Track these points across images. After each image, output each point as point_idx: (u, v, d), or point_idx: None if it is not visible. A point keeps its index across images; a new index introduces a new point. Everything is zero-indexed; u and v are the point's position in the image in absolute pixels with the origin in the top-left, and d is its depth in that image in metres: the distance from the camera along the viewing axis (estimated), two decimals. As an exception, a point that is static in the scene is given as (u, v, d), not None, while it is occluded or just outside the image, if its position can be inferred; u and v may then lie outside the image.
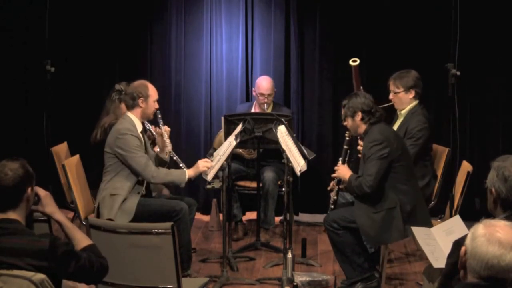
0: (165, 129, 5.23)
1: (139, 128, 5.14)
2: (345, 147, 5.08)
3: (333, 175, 5.04)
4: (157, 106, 5.21)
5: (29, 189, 3.01)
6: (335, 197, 5.08)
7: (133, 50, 7.12)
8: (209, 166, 5.09)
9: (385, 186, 4.72)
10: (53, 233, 3.58)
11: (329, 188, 5.16)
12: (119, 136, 5.01)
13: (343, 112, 4.91)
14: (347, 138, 5.06)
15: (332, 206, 5.09)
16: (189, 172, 5.07)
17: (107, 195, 5.05)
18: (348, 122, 4.88)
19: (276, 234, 6.43)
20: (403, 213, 4.70)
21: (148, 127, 5.36)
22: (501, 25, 6.63)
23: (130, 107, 5.15)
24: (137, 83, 5.18)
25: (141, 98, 5.10)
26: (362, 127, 4.84)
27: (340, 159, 5.06)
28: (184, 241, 4.89)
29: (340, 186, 5.04)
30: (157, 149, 5.33)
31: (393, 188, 4.73)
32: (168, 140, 5.25)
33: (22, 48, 7.00)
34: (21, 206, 2.99)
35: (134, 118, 5.13)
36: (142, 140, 5.12)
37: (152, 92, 5.16)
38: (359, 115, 4.81)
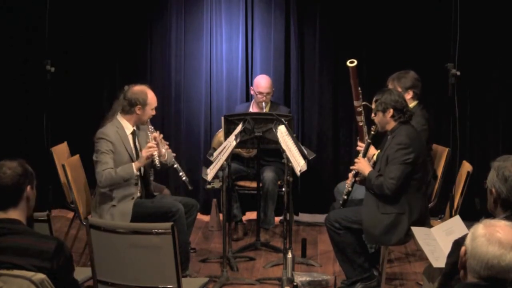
0: (153, 136, 5.07)
1: (129, 130, 5.11)
2: (369, 141, 5.08)
3: (352, 167, 5.03)
4: (154, 113, 5.16)
5: (29, 188, 3.02)
6: (350, 189, 5.07)
7: (133, 50, 7.11)
8: (151, 150, 4.95)
9: (400, 190, 4.72)
10: (53, 233, 3.60)
11: (348, 181, 5.14)
12: (95, 140, 5.04)
13: (374, 106, 4.90)
14: (372, 133, 5.04)
15: (345, 197, 5.08)
16: (136, 165, 4.97)
17: (95, 202, 5.07)
18: (378, 117, 4.86)
19: (276, 234, 6.43)
20: (410, 220, 4.70)
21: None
22: (501, 25, 6.63)
23: (125, 112, 5.11)
24: (138, 89, 5.13)
25: (139, 106, 5.07)
26: (391, 124, 4.83)
27: (362, 152, 5.06)
28: (181, 242, 4.86)
29: (357, 179, 5.04)
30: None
31: (407, 193, 4.73)
32: (160, 148, 5.13)
33: (22, 48, 6.99)
34: (21, 204, 2.99)
35: (125, 122, 5.10)
36: (129, 141, 5.07)
37: (151, 100, 5.11)
38: (390, 112, 4.80)
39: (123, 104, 5.13)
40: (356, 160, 5.01)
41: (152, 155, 4.99)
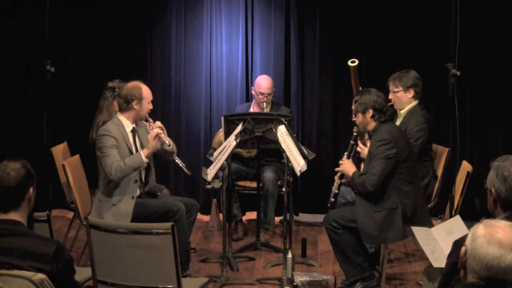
0: (157, 125, 5.09)
1: (129, 128, 5.10)
2: (352, 142, 5.07)
3: (337, 169, 5.03)
4: (151, 107, 5.15)
5: (31, 189, 3.02)
6: (336, 191, 5.06)
7: (133, 50, 7.12)
8: (157, 132, 4.96)
9: (389, 186, 4.72)
10: (53, 233, 3.60)
11: (335, 184, 5.12)
12: (98, 138, 5.03)
13: (354, 107, 4.90)
14: (354, 134, 5.04)
15: (333, 199, 5.07)
16: (144, 152, 4.96)
17: (96, 201, 5.07)
18: (358, 118, 4.87)
19: (276, 234, 6.43)
20: (404, 215, 4.70)
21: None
22: (501, 25, 6.64)
23: (123, 109, 5.11)
24: (131, 85, 5.12)
25: (135, 101, 5.07)
26: (372, 125, 4.84)
27: (346, 153, 5.06)
28: (181, 242, 4.86)
29: (343, 180, 5.04)
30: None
31: (396, 188, 4.73)
32: (164, 136, 5.14)
33: (22, 48, 6.99)
34: (23, 206, 2.99)
35: (124, 119, 5.09)
36: (129, 139, 5.07)
37: (147, 94, 5.11)
38: (370, 112, 4.81)
39: (119, 102, 5.14)
40: (340, 162, 5.01)
41: (157, 136, 4.99)
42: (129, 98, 5.07)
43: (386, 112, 4.82)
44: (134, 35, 7.09)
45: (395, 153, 4.70)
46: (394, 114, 4.89)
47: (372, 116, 4.81)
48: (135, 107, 5.08)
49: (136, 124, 5.19)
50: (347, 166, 4.93)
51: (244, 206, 6.46)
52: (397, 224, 4.71)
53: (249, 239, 6.32)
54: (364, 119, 4.84)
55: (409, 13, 6.72)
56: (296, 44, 6.96)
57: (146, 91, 5.12)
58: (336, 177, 5.08)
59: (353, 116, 4.92)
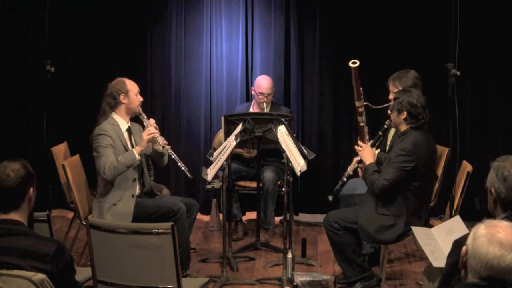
0: (151, 123, 5.12)
1: (124, 127, 5.13)
2: (380, 133, 5.10)
3: (358, 152, 5.01)
4: (141, 98, 5.19)
5: (31, 189, 3.02)
6: (351, 173, 5.08)
7: (133, 50, 7.11)
8: (152, 133, 5.00)
9: (398, 193, 4.72)
10: (53, 233, 3.60)
11: (351, 165, 5.14)
12: (94, 138, 5.07)
13: (392, 103, 4.90)
14: (385, 126, 5.06)
15: (345, 179, 5.08)
16: (137, 149, 4.98)
17: (96, 201, 5.07)
18: (393, 115, 4.86)
19: (276, 234, 6.43)
20: (406, 224, 4.70)
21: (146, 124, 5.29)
22: (501, 25, 6.64)
23: (113, 107, 5.15)
24: (114, 81, 5.20)
25: (122, 95, 5.12)
26: (403, 127, 4.82)
27: (371, 141, 5.08)
28: (182, 241, 4.86)
29: (360, 165, 5.04)
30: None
31: (405, 198, 4.72)
32: (158, 136, 5.16)
33: (22, 48, 6.99)
34: (23, 206, 3.00)
35: (118, 117, 5.14)
36: (125, 138, 5.09)
37: (131, 86, 5.16)
38: (404, 114, 4.79)
39: (107, 101, 5.19)
40: (363, 146, 4.99)
41: (153, 137, 5.02)
42: (115, 94, 5.13)
43: (420, 120, 4.78)
44: (134, 35, 7.09)
45: (412, 167, 4.67)
46: (426, 122, 4.84)
47: (405, 119, 4.80)
48: (123, 101, 5.13)
49: (132, 122, 5.21)
50: (366, 153, 4.93)
51: (244, 206, 6.46)
52: (396, 230, 4.72)
53: (249, 239, 6.32)
54: (398, 119, 4.83)
55: (409, 13, 6.72)
56: (296, 44, 6.96)
57: (130, 84, 5.18)
58: (354, 159, 5.08)
59: (389, 111, 4.91)
